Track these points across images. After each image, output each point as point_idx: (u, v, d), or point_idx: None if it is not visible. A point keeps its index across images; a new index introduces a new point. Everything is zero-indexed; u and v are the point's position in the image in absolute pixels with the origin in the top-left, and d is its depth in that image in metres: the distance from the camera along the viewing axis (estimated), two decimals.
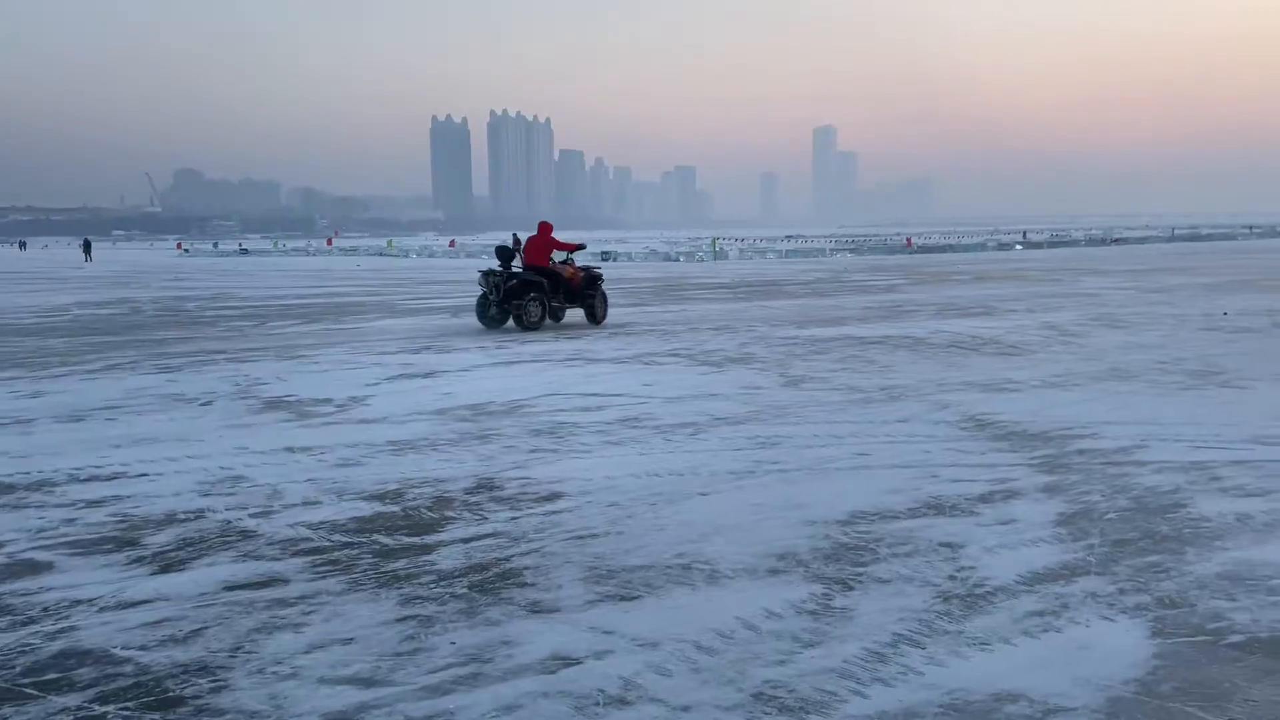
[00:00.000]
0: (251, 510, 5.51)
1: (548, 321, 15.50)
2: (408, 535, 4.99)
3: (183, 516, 5.43)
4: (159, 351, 13.12)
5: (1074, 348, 12.01)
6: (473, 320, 16.32)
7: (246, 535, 5.06)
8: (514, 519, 5.24)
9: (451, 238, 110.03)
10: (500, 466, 6.44)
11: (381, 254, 65.06)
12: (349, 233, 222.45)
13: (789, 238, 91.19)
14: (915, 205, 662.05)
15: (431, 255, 61.91)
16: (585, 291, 15.83)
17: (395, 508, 5.50)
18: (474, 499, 5.66)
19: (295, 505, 5.59)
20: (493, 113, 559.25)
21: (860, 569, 4.39)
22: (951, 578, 4.26)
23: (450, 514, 5.35)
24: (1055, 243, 61.43)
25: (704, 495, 5.66)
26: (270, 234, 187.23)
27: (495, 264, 16.06)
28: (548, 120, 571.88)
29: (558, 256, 15.98)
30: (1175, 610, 3.81)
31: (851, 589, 4.14)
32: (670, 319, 16.69)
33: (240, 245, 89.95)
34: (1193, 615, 3.76)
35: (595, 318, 15.90)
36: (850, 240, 72.95)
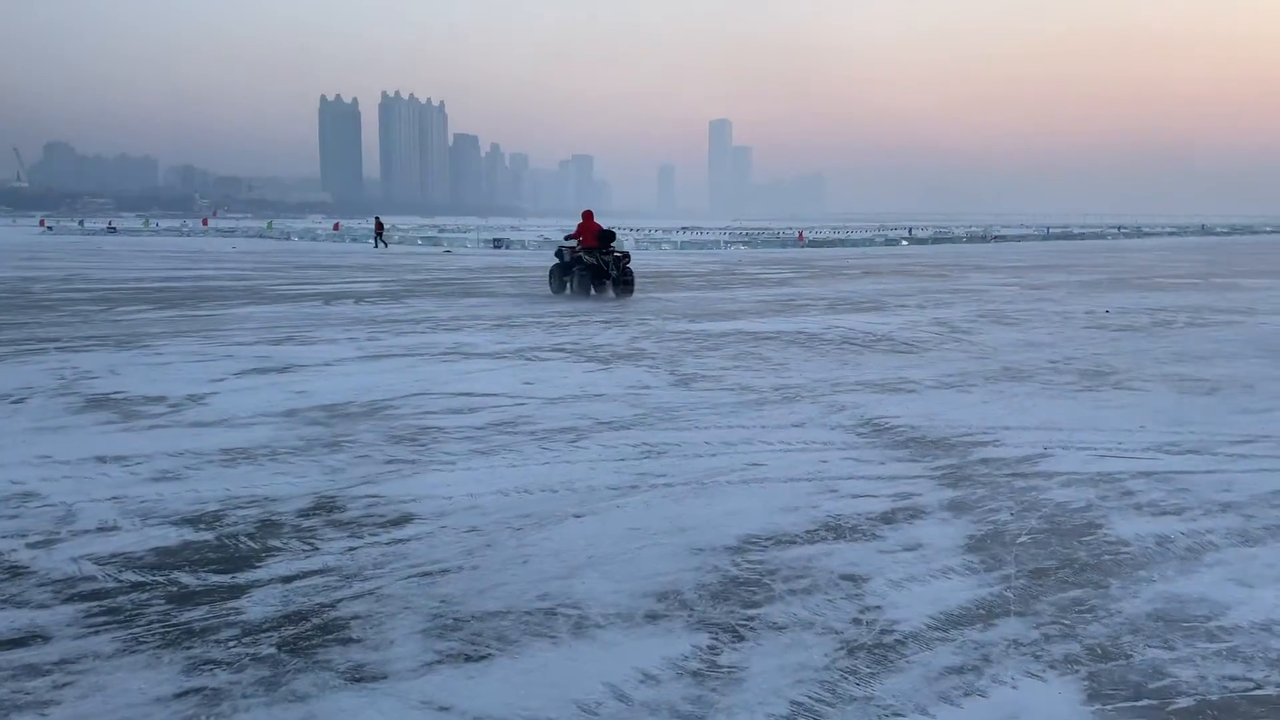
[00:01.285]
0: (31, 539, 4.56)
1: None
2: (216, 573, 4.14)
3: None
4: None
5: (966, 345, 11.77)
6: (345, 308, 15.55)
7: (15, 573, 4.13)
8: (351, 550, 4.45)
9: (337, 220, 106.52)
10: (347, 481, 5.61)
11: (261, 236, 62.24)
12: (232, 214, 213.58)
13: (684, 229, 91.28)
14: (808, 200, 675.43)
15: (314, 238, 59.46)
16: None
17: (209, 535, 4.63)
18: (308, 523, 4.84)
19: (87, 532, 4.67)
20: (385, 94, 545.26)
21: (752, 611, 3.77)
22: (856, 621, 3.68)
23: (275, 544, 4.52)
24: (939, 239, 62.93)
25: (578, 517, 4.97)
26: (146, 213, 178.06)
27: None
28: (442, 104, 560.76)
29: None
30: (1110, 664, 3.31)
31: (742, 639, 3.52)
32: (559, 311, 15.95)
33: (110, 224, 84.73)
34: (1130, 670, 3.26)
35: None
36: (744, 233, 73.33)
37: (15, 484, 5.48)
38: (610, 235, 19.09)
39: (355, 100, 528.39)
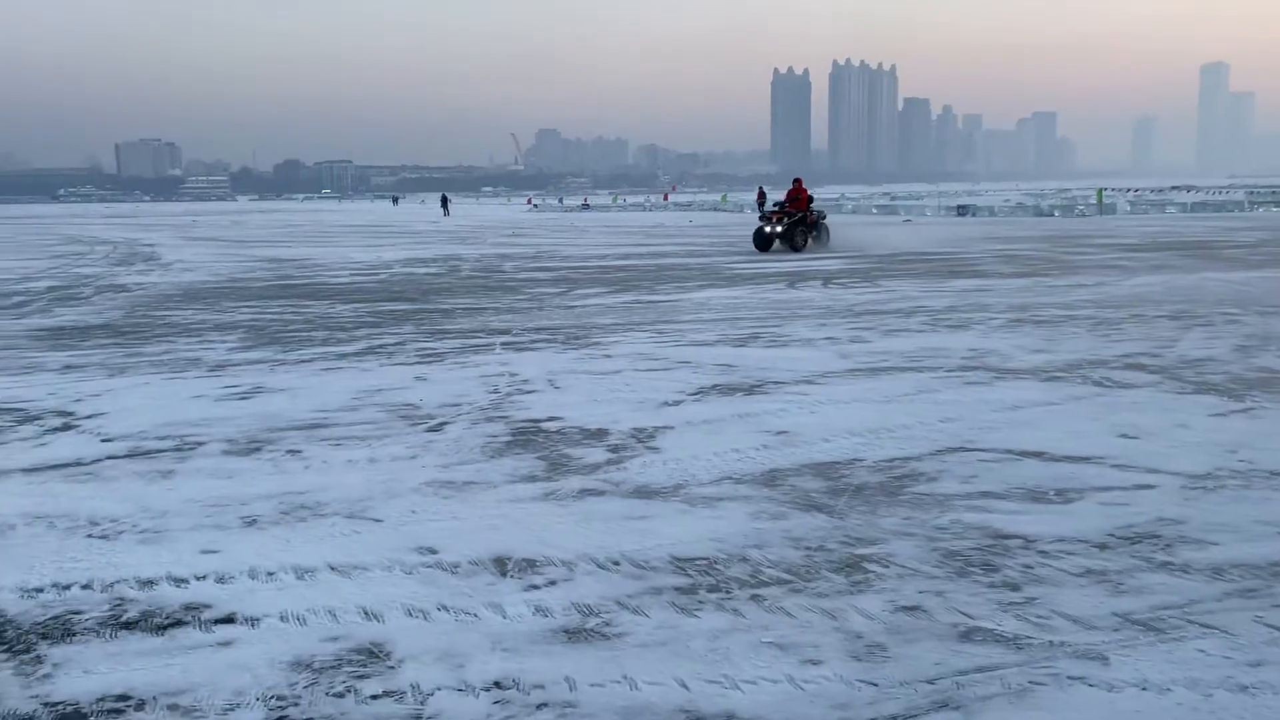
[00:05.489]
0: None
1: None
2: None
3: None
4: (437, 329, 10.83)
5: None
6: (811, 293, 13.06)
7: None
8: None
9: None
10: (899, 706, 2.84)
11: (716, 209, 62.97)
12: (688, 188, 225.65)
13: (1175, 188, 78.00)
14: None
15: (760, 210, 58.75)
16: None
17: None
18: None
19: None
20: (835, 63, 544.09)
21: None
22: None
23: None
24: None
25: None
26: (616, 189, 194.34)
27: None
28: (893, 68, 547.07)
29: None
30: None
31: None
32: (1089, 298, 12.06)
33: (585, 201, 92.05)
34: None
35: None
36: (1270, 191, 60.17)
37: (368, 619, 3.44)
38: (810, 198, 23.37)
39: (806, 71, 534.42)
